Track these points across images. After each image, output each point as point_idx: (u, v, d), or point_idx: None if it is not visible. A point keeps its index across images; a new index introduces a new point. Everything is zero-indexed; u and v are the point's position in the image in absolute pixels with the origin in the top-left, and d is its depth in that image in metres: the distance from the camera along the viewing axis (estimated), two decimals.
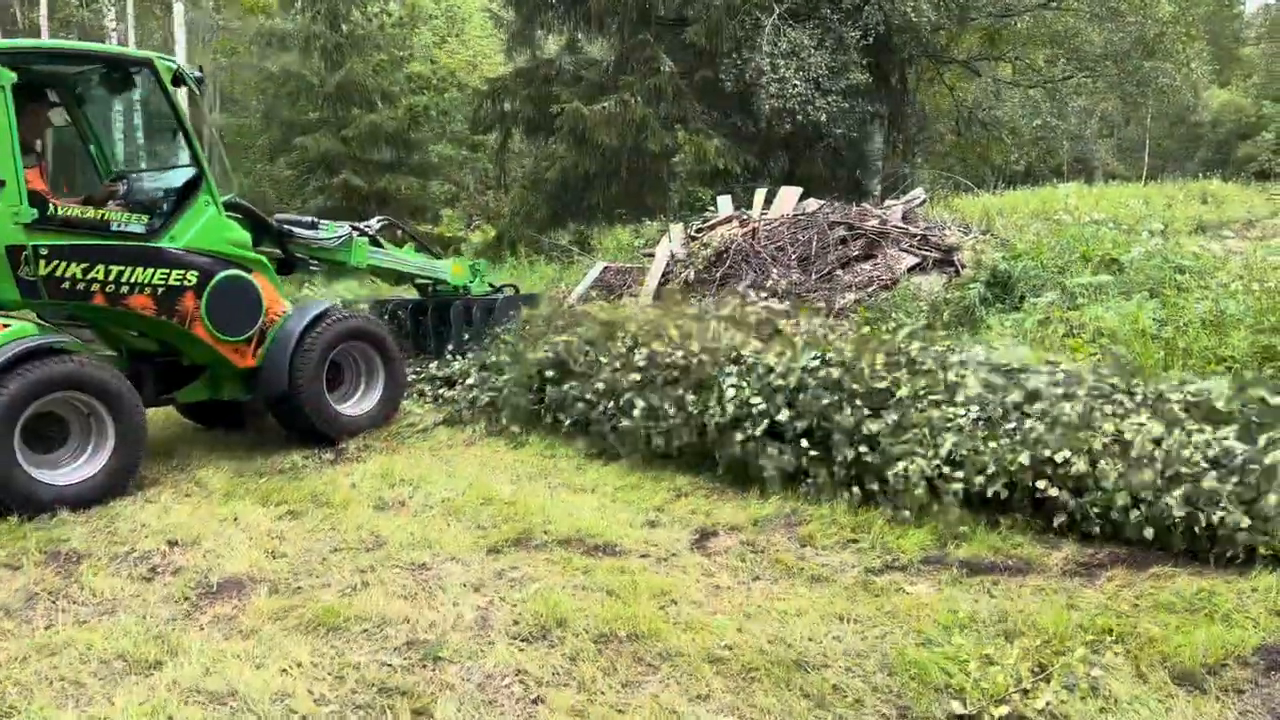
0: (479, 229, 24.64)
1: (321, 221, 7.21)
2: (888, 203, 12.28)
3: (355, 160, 19.47)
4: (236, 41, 25.27)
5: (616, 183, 19.61)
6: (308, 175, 19.56)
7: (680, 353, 5.92)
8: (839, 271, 9.68)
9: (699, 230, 12.07)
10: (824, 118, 17.39)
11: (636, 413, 5.83)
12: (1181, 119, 37.69)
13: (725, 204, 12.83)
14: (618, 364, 6.17)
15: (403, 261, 7.97)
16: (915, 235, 10.20)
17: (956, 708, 3.14)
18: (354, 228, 7.53)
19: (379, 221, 7.95)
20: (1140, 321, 6.66)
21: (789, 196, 12.26)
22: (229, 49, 25.37)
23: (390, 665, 3.54)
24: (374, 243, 7.64)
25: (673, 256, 11.77)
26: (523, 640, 3.70)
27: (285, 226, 6.89)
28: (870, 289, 9.40)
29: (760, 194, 12.80)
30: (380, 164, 20.01)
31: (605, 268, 12.62)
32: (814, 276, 9.74)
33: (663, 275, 11.48)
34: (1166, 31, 19.30)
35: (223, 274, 5.96)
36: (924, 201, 11.65)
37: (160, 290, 5.70)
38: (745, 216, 12.02)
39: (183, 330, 5.87)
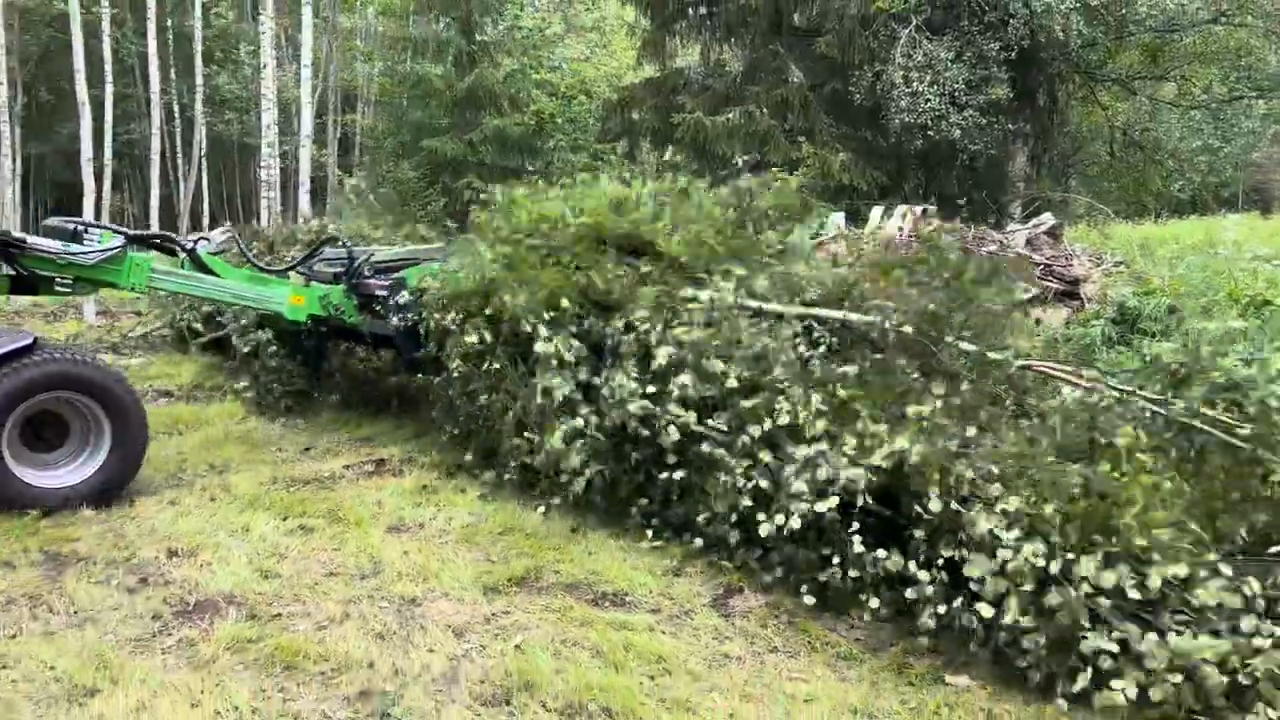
0: None
1: (92, 231, 5.68)
2: (1011, 227, 11.36)
3: (480, 165, 19.58)
4: (374, 45, 25.95)
5: None
6: (433, 178, 19.79)
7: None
8: None
9: None
10: (958, 133, 16.42)
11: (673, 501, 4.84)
12: None
13: (836, 221, 12.15)
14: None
15: (216, 286, 6.24)
16: (1038, 264, 9.32)
17: None
18: (166, 238, 6.32)
19: (223, 233, 6.52)
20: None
21: (905, 216, 11.49)
22: (367, 54, 26.14)
23: (333, 718, 3.18)
24: (195, 261, 6.15)
25: None
26: (483, 703, 3.28)
27: (12, 236, 5.50)
28: None
29: (876, 212, 12.08)
30: (506, 169, 20.09)
31: None
32: None
33: None
34: None
35: None
36: (1054, 227, 10.70)
37: None
38: (855, 235, 11.33)
39: None
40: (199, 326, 9.72)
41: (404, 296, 6.23)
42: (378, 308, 6.52)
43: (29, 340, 5.14)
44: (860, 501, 3.88)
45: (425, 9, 20.47)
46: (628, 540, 4.89)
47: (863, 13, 17.03)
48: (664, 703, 3.28)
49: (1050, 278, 9.12)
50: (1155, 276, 8.70)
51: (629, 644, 3.67)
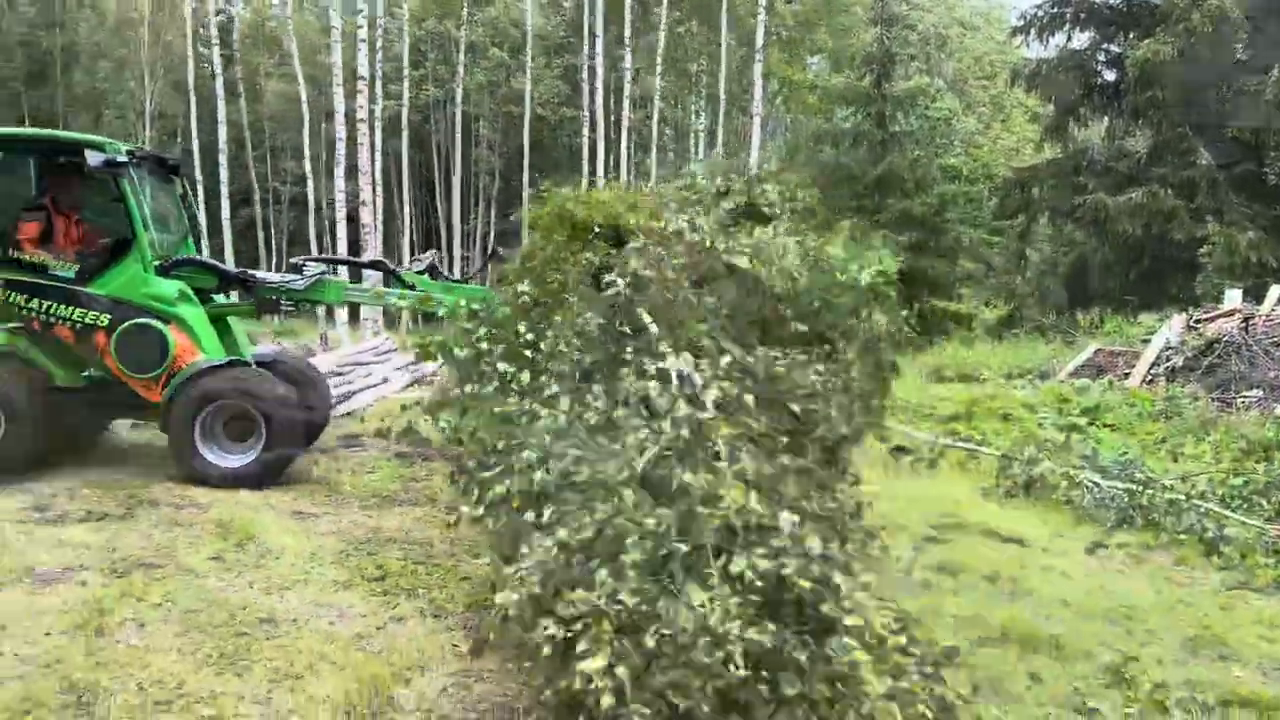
0: (994, 307, 25.86)
1: (308, 265, 7.42)
2: None
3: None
4: (794, 135, 29.67)
5: (1136, 270, 19.90)
6: None
7: None
8: None
9: (1198, 321, 12.61)
10: None
11: None
12: None
13: (1233, 297, 13.14)
14: None
15: (388, 295, 7.60)
16: None
17: None
18: (378, 264, 7.88)
19: (430, 254, 8.14)
20: None
21: None
22: (793, 146, 29.86)
23: None
24: (399, 281, 7.49)
25: (1167, 344, 12.48)
26: None
27: (247, 274, 7.39)
28: None
29: (1274, 291, 12.90)
30: (905, 245, 22.35)
31: (1097, 350, 13.58)
32: None
33: (1153, 361, 12.28)
34: None
35: (133, 320, 6.62)
36: None
37: (78, 325, 6.65)
38: (1251, 311, 12.32)
39: (99, 360, 6.70)
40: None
41: None
42: None
43: (224, 362, 6.72)
44: None
45: (845, 103, 23.53)
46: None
47: (1279, 96, 17.42)
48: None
49: None
50: None
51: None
